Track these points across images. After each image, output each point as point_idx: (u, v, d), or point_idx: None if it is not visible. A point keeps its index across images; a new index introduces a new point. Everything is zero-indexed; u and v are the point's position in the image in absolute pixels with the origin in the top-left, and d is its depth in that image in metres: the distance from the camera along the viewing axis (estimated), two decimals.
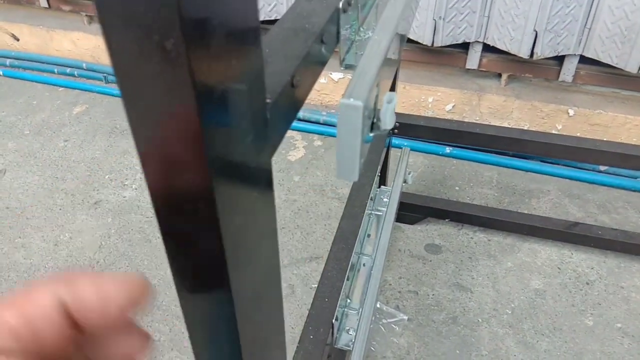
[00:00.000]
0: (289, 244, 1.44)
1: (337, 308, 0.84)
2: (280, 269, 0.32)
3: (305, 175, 1.70)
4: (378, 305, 1.22)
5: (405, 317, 1.23)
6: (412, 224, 1.50)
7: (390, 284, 1.32)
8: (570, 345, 1.15)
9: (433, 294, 1.29)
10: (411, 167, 1.68)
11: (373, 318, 0.92)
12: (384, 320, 1.23)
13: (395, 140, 1.60)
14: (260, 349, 0.32)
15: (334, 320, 0.82)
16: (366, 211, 1.05)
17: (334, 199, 1.60)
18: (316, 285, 0.88)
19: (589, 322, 1.20)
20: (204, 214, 0.23)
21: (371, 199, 1.08)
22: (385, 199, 1.14)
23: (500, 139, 1.21)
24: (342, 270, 0.91)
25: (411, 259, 1.39)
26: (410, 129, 1.24)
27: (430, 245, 1.43)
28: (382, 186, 1.21)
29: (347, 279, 0.90)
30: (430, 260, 1.39)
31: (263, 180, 0.28)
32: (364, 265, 1.00)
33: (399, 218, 1.44)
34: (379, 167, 1.15)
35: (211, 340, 0.29)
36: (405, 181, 1.19)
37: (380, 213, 1.11)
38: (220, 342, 0.28)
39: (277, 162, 1.75)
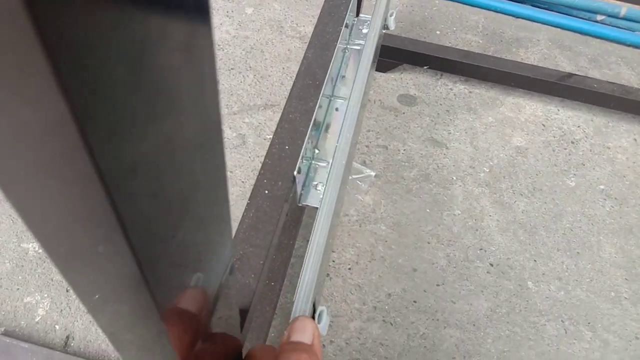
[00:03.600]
0: (239, 88, 1.21)
1: (299, 158, 0.66)
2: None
3: (260, 8, 1.41)
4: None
5: (373, 174, 1.09)
6: (384, 71, 1.29)
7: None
8: (550, 207, 1.06)
9: (404, 149, 1.14)
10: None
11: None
12: (349, 177, 1.09)
13: None
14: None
15: (295, 173, 0.65)
16: (339, 44, 0.83)
17: (295, 38, 1.34)
18: (271, 136, 0.68)
19: (571, 182, 1.10)
20: None
21: (346, 26, 0.84)
22: (364, 30, 0.91)
23: None
24: (307, 111, 0.71)
25: (382, 110, 1.21)
26: None
27: (405, 95, 1.25)
28: (360, 15, 0.97)
29: (314, 124, 0.71)
30: (404, 113, 1.21)
31: None
32: (336, 109, 0.80)
33: None
34: None
35: None
36: (392, 14, 0.95)
37: (358, 47, 0.89)
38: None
39: None
